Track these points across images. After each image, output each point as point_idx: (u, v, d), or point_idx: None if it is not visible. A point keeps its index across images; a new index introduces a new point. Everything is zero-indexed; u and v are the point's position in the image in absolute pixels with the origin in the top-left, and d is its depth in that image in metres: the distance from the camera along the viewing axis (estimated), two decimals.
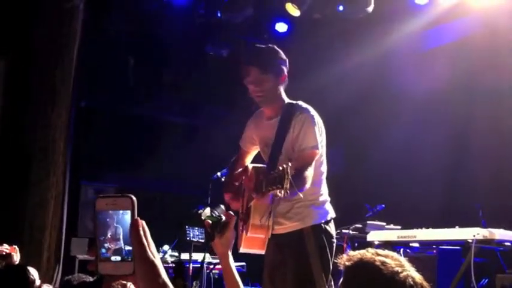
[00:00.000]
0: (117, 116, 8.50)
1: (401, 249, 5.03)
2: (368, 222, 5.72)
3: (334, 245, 3.42)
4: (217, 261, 5.96)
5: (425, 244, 5.14)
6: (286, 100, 3.49)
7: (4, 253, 4.06)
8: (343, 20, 7.07)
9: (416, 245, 5.18)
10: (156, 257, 1.26)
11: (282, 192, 2.78)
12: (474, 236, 4.52)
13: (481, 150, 6.68)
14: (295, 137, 3.32)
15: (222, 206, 3.34)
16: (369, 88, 7.61)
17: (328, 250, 3.32)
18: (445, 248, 5.06)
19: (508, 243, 4.69)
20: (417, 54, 7.58)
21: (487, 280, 5.20)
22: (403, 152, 7.32)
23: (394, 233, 5.26)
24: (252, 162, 3.65)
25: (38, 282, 3.42)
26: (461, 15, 6.80)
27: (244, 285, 2.45)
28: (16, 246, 4.17)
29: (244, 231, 3.24)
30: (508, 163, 6.33)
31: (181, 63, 8.30)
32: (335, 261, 2.08)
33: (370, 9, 6.50)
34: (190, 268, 6.17)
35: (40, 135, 6.43)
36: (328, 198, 3.49)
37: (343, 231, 5.58)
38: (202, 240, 6.20)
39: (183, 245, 6.52)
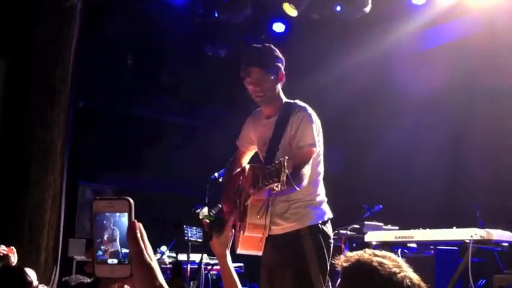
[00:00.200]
0: (116, 116, 8.49)
1: (399, 250, 5.03)
2: (366, 222, 5.71)
3: (332, 245, 3.42)
4: (215, 261, 5.96)
5: (423, 244, 5.13)
6: (284, 99, 3.50)
7: (1, 254, 4.06)
8: (342, 21, 7.08)
9: (414, 245, 5.18)
10: (153, 260, 1.26)
11: (279, 186, 2.77)
12: (472, 236, 4.52)
13: (480, 150, 6.68)
14: (292, 135, 3.32)
15: (220, 205, 3.34)
16: (368, 88, 7.61)
17: (325, 251, 3.32)
18: (443, 249, 5.06)
19: (506, 244, 4.69)
20: (416, 54, 7.58)
21: (484, 280, 5.20)
22: (402, 152, 7.32)
23: (391, 234, 5.26)
24: (249, 163, 3.64)
25: (35, 283, 3.42)
26: (460, 15, 6.81)
27: (242, 286, 2.45)
28: (13, 248, 4.17)
29: (242, 231, 3.23)
30: (507, 163, 6.33)
31: (180, 64, 8.29)
32: (332, 261, 2.07)
33: (367, 9, 6.51)
34: (188, 269, 6.17)
35: (40, 135, 6.43)
36: (325, 199, 3.49)
37: (341, 231, 5.58)
38: (200, 240, 6.19)
39: (181, 245, 6.52)
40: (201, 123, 9.19)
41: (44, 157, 6.41)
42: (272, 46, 3.51)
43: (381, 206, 6.02)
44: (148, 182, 8.61)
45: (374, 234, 5.34)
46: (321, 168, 3.46)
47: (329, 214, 3.45)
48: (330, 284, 3.34)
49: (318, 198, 3.43)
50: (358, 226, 5.68)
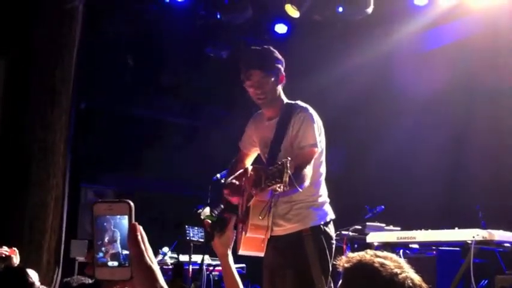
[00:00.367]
0: (116, 117, 8.49)
1: (401, 251, 5.02)
2: (367, 223, 5.71)
3: (334, 246, 3.42)
4: (217, 262, 5.96)
5: (425, 245, 5.13)
6: (285, 100, 3.50)
7: (4, 255, 4.07)
8: (343, 21, 7.08)
9: (415, 246, 5.17)
10: (153, 262, 1.26)
11: (282, 186, 2.77)
12: (474, 237, 4.51)
13: (480, 150, 6.68)
14: (294, 135, 3.33)
15: (222, 206, 3.33)
16: (369, 89, 7.62)
17: (327, 251, 3.32)
18: (445, 249, 5.05)
19: (508, 244, 4.68)
20: (417, 55, 7.59)
21: (486, 281, 5.19)
22: (402, 152, 7.32)
23: (393, 234, 5.25)
24: (252, 164, 3.65)
25: (37, 284, 3.42)
26: (461, 16, 6.81)
27: (244, 287, 2.45)
28: (16, 249, 4.17)
29: (244, 232, 3.24)
30: (507, 163, 6.33)
31: (180, 64, 8.29)
32: (334, 262, 2.08)
33: (369, 10, 6.51)
34: (190, 270, 6.16)
35: (40, 135, 6.43)
36: (328, 200, 3.49)
37: (343, 232, 5.58)
38: (202, 240, 6.19)
39: (182, 246, 6.52)
40: (202, 123, 9.19)
41: (45, 157, 6.41)
42: (271, 48, 3.51)
43: (383, 207, 6.03)
44: (149, 182, 8.62)
45: (376, 235, 5.34)
46: (323, 169, 3.46)
47: (331, 215, 3.45)
48: (331, 285, 3.34)
49: (320, 199, 3.43)
50: (360, 227, 5.68)
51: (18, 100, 6.53)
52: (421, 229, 5.06)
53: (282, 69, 3.46)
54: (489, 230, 4.59)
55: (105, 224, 1.27)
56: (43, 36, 6.54)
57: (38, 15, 6.57)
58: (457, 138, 6.99)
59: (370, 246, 5.17)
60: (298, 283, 3.27)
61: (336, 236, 3.83)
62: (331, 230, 3.43)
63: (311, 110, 3.41)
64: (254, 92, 3.42)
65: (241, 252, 3.28)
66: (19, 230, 6.21)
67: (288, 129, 3.36)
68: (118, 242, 1.26)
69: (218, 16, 7.42)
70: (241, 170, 3.36)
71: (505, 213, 5.80)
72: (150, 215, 7.71)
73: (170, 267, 6.45)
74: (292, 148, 3.31)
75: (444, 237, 4.85)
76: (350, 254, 1.78)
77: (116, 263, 1.26)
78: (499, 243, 4.63)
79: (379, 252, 1.74)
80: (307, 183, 3.14)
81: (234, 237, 2.56)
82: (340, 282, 1.78)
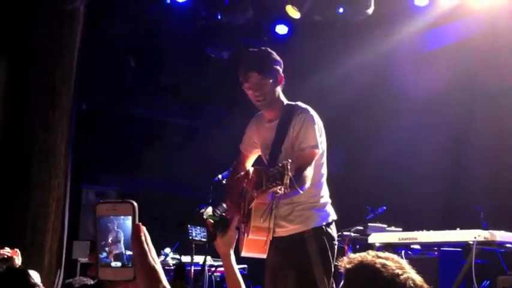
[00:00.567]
0: (116, 117, 8.48)
1: (403, 251, 5.02)
2: (369, 224, 5.71)
3: (336, 247, 3.42)
4: (219, 263, 5.97)
5: (427, 246, 5.12)
6: (285, 101, 3.50)
7: (5, 256, 4.07)
8: (344, 22, 7.08)
9: (417, 247, 5.17)
10: (156, 263, 1.26)
11: (282, 188, 2.78)
12: (475, 237, 4.51)
13: (481, 150, 6.69)
14: (295, 137, 3.33)
15: (224, 205, 3.33)
16: (370, 89, 7.62)
17: (329, 252, 3.32)
18: (446, 250, 5.05)
19: (509, 245, 4.68)
20: (418, 55, 7.59)
21: (488, 282, 5.19)
22: (403, 152, 7.33)
23: (395, 235, 5.25)
24: (254, 166, 3.65)
25: (39, 285, 3.42)
26: (462, 16, 6.81)
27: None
28: (17, 250, 4.17)
29: (246, 234, 3.24)
30: (508, 163, 6.33)
31: (180, 64, 8.29)
32: (336, 263, 2.08)
33: (370, 11, 6.51)
34: (192, 270, 6.16)
35: (41, 136, 6.42)
36: (329, 200, 3.49)
37: (344, 233, 5.58)
38: (205, 240, 6.18)
39: (184, 247, 6.52)
40: (202, 123, 9.19)
41: (46, 159, 6.40)
42: (269, 49, 3.51)
43: (385, 208, 6.03)
44: (149, 182, 8.61)
45: (377, 236, 5.34)
46: (324, 170, 3.47)
47: (333, 216, 3.46)
48: (334, 285, 3.35)
49: (322, 200, 3.43)
50: (361, 228, 5.69)
51: (19, 100, 6.53)
52: (421, 229, 5.06)
53: (281, 70, 3.46)
54: (491, 231, 4.59)
55: (108, 224, 1.26)
56: (43, 36, 6.53)
57: (38, 15, 6.56)
58: (458, 138, 7.00)
59: (371, 247, 5.17)
60: (300, 284, 3.27)
61: (338, 236, 3.83)
62: (333, 230, 3.43)
63: (312, 111, 3.41)
64: (253, 94, 3.43)
65: (243, 254, 3.28)
66: (21, 231, 6.20)
67: (289, 131, 3.37)
68: (121, 242, 1.26)
69: (219, 17, 7.42)
70: (243, 172, 3.36)
71: (505, 213, 5.80)
72: (151, 215, 7.71)
73: (172, 268, 6.45)
74: (293, 150, 3.32)
75: (446, 238, 4.84)
76: (352, 255, 1.79)
77: (119, 264, 1.26)
78: (501, 244, 4.63)
79: (380, 253, 1.75)
80: (307, 185, 3.15)
81: (237, 237, 2.57)
82: (342, 283, 1.78)
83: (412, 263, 1.77)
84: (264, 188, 2.87)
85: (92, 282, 3.27)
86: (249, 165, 3.68)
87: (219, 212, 3.25)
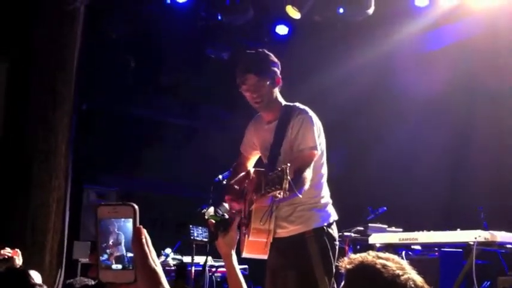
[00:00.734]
0: (116, 117, 8.49)
1: (403, 252, 5.02)
2: (370, 224, 5.71)
3: (337, 247, 3.42)
4: (220, 264, 5.96)
5: (427, 246, 5.12)
6: (283, 102, 3.50)
7: (6, 256, 4.07)
8: (344, 22, 7.08)
9: (418, 247, 5.17)
10: (157, 265, 1.26)
11: (281, 193, 2.78)
12: (476, 238, 4.51)
13: (482, 151, 6.68)
14: (293, 138, 3.33)
15: (226, 205, 3.34)
16: (371, 90, 7.61)
17: (330, 253, 3.33)
18: (447, 251, 5.05)
19: (510, 245, 4.67)
20: (418, 55, 7.58)
21: (489, 282, 5.19)
22: (404, 153, 7.32)
23: (395, 236, 5.25)
24: (254, 167, 3.65)
25: (42, 285, 3.42)
26: (462, 16, 6.81)
27: None
28: (18, 250, 4.18)
29: (246, 236, 3.24)
30: (508, 163, 6.33)
31: (180, 64, 8.30)
32: (337, 264, 2.08)
33: (370, 11, 6.50)
34: (193, 271, 6.16)
35: (41, 136, 6.42)
36: (330, 201, 3.49)
37: (345, 233, 5.58)
38: (206, 240, 6.18)
39: (185, 247, 6.52)
40: (201, 123, 9.19)
41: (46, 159, 6.40)
42: (266, 51, 3.52)
43: (385, 208, 6.03)
44: (149, 182, 8.61)
45: (378, 236, 5.34)
46: (324, 170, 3.47)
47: (334, 216, 3.46)
48: (334, 286, 3.35)
49: (323, 201, 3.43)
50: (362, 228, 5.69)
51: (19, 101, 6.53)
52: (421, 229, 5.06)
53: (278, 72, 3.46)
54: (491, 231, 4.58)
55: (109, 226, 1.26)
56: (43, 36, 6.53)
57: (38, 15, 6.56)
58: (459, 139, 6.99)
59: (372, 247, 5.17)
60: (301, 285, 3.27)
61: (339, 237, 3.84)
62: (334, 231, 3.43)
63: (310, 112, 3.41)
64: (250, 96, 3.43)
65: (244, 255, 3.29)
66: (21, 231, 6.20)
67: (287, 132, 3.37)
68: (122, 244, 1.26)
69: (219, 17, 7.42)
70: (243, 173, 3.37)
71: (505, 214, 5.80)
72: (151, 216, 7.71)
73: (173, 268, 6.45)
74: (292, 151, 3.32)
75: (446, 239, 4.84)
76: (352, 256, 1.79)
77: (120, 266, 1.26)
78: (501, 245, 4.63)
79: (381, 254, 1.75)
80: (307, 186, 3.15)
81: (238, 238, 2.57)
82: (343, 283, 1.78)
83: (413, 263, 1.77)
84: (263, 192, 2.88)
85: (93, 282, 3.27)
86: (249, 166, 3.68)
87: (220, 213, 3.26)
